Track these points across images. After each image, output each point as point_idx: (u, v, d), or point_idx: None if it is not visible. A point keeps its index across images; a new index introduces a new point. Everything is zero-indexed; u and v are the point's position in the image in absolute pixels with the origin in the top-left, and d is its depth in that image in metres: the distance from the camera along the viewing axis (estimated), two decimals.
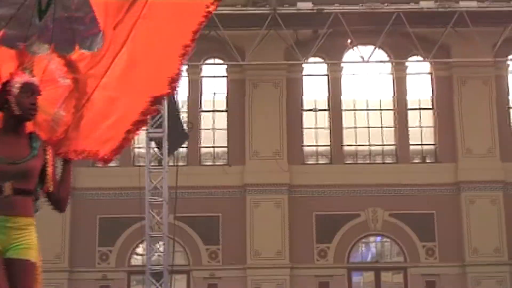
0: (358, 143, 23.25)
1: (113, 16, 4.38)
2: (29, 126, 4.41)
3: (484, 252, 22.06)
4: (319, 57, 23.18)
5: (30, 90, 4.26)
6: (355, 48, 22.39)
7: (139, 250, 21.52)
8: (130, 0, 4.36)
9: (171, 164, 18.56)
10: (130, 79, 4.50)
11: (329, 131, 23.27)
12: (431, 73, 23.73)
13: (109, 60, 4.44)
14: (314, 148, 23.24)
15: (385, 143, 23.22)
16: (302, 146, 22.94)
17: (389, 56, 23.55)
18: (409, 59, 23.41)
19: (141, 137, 21.26)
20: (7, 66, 4.34)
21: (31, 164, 4.25)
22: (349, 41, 22.03)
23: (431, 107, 23.57)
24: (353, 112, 23.41)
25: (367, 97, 23.45)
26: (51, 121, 4.47)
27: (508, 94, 23.56)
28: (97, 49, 4.46)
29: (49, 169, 4.36)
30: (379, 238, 22.99)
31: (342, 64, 23.51)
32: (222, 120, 23.40)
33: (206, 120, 23.41)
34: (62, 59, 4.41)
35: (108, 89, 4.52)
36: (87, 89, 4.48)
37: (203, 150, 23.24)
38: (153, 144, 18.16)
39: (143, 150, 20.01)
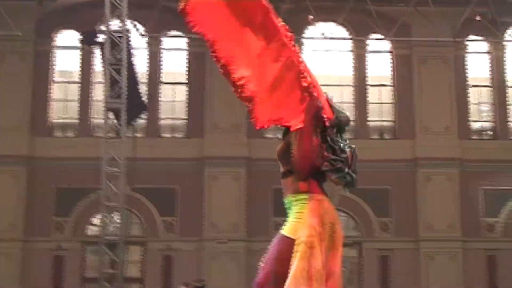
0: None
1: None
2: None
3: (438, 228, 22.38)
4: None
5: None
6: (316, 24, 22.37)
7: (95, 221, 21.41)
8: None
9: (130, 135, 18.45)
10: None
11: None
12: (391, 52, 23.85)
13: None
14: None
15: None
16: None
17: (350, 33, 23.61)
18: (370, 37, 23.48)
19: (99, 108, 21.17)
20: None
21: (277, 151, 4.77)
22: (310, 17, 21.99)
23: (391, 84, 23.72)
24: None
25: (327, 72, 23.47)
26: None
27: (466, 74, 23.79)
28: None
29: (293, 147, 4.60)
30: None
31: (302, 40, 23.47)
32: (181, 92, 23.30)
33: (165, 92, 23.29)
34: None
35: None
36: None
37: (162, 122, 23.15)
38: (111, 114, 18.05)
39: (101, 121, 19.88)
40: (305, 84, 4.58)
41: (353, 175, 4.50)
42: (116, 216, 17.83)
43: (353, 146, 4.56)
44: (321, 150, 4.51)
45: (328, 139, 4.50)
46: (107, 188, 17.35)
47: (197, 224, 21.92)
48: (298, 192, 4.48)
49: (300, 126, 4.50)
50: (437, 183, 22.61)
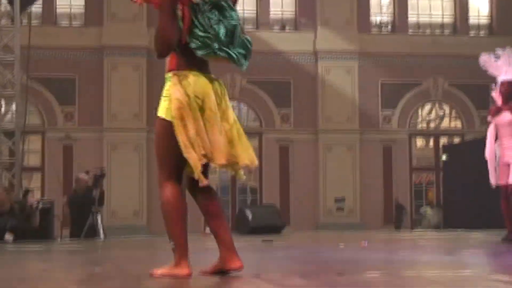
0: None
1: None
2: None
3: (336, 120, 22.89)
4: None
5: None
6: None
7: None
8: None
9: (24, 23, 17.91)
10: None
11: None
12: None
13: None
14: None
15: (245, 9, 23.15)
16: None
17: None
18: None
19: None
20: None
21: None
22: None
23: None
24: None
25: None
26: None
27: None
28: None
29: None
30: (236, 104, 23.38)
31: None
32: None
33: None
34: None
35: None
36: None
37: (59, 10, 22.58)
38: (4, 0, 17.44)
39: None
40: None
41: (231, 52, 4.48)
42: (13, 105, 17.48)
43: (234, 23, 4.51)
44: (188, 28, 4.48)
45: (198, 16, 4.46)
46: (2, 76, 16.93)
47: (97, 113, 21.77)
48: (168, 69, 4.51)
49: (157, 3, 4.47)
50: (336, 75, 22.99)
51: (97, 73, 21.81)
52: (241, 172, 4.52)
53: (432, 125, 24.62)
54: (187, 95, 4.34)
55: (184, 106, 4.32)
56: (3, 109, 17.38)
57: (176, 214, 4.31)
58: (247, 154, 4.42)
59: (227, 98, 4.54)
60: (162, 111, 4.38)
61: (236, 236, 13.44)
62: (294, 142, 22.93)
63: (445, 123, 24.67)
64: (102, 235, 13.56)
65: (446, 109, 24.48)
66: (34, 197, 15.53)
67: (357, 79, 23.17)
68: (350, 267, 5.30)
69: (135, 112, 21.85)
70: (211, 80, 4.49)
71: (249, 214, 14.53)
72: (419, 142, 24.85)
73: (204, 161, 4.28)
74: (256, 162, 4.47)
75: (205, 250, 8.01)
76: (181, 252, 4.28)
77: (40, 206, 11.90)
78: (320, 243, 10.50)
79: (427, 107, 24.48)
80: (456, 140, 24.21)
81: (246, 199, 23.03)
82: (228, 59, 4.46)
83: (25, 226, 11.46)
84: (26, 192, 13.31)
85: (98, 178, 14.61)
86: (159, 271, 4.31)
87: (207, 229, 16.45)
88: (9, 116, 17.62)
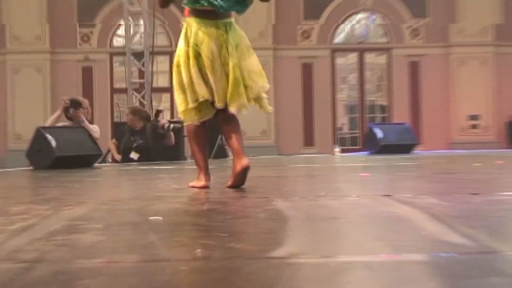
0: None
1: None
2: None
3: (469, 32, 22.01)
4: None
5: None
6: None
7: (120, 32, 21.34)
8: None
9: None
10: None
11: None
12: None
13: None
14: None
15: None
16: None
17: None
18: None
19: None
20: None
21: None
22: None
23: None
24: None
25: None
26: None
27: None
28: None
29: None
30: (367, 17, 22.81)
31: None
32: None
33: None
34: None
35: None
36: None
37: None
38: None
39: None
40: None
41: (213, 1, 4.57)
42: (141, 27, 17.67)
43: None
44: None
45: None
46: None
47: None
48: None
49: None
50: None
51: None
52: (268, 106, 4.96)
53: None
54: (188, 44, 4.58)
55: (181, 54, 4.60)
56: (131, 31, 17.56)
57: (195, 138, 4.84)
58: (236, 99, 4.72)
59: (233, 42, 4.58)
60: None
61: (365, 155, 13.24)
62: (425, 57, 22.23)
63: None
64: (231, 155, 13.55)
65: None
66: (165, 118, 15.73)
67: None
68: (485, 187, 5.07)
69: None
70: (217, 27, 4.59)
71: (378, 133, 14.17)
72: None
73: (194, 104, 4.59)
74: (245, 109, 4.88)
75: (331, 168, 7.96)
76: (199, 168, 4.84)
77: (172, 126, 11.94)
78: (453, 162, 10.13)
79: None
80: None
81: (375, 118, 22.68)
82: (212, 7, 4.53)
83: (157, 146, 11.57)
84: (158, 112, 13.44)
85: None
86: (190, 184, 4.86)
87: (336, 149, 16.23)
88: (137, 38, 17.82)
